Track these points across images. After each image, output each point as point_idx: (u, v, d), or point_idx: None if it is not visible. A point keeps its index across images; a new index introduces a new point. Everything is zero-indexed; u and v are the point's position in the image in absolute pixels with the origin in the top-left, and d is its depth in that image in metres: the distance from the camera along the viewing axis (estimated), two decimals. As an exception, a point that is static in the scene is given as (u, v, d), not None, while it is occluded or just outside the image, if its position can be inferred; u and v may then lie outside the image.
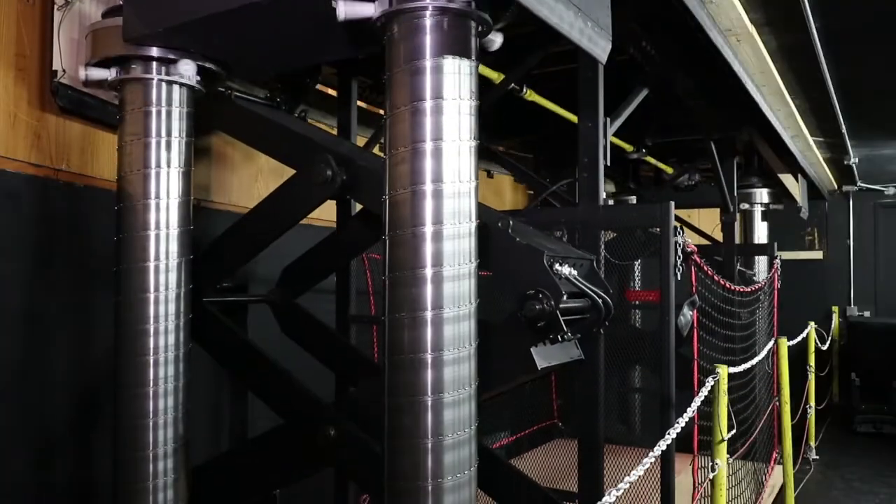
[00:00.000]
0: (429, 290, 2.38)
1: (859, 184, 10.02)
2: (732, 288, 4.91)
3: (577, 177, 3.63)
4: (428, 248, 2.38)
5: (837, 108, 6.16)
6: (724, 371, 3.53)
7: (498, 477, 3.36)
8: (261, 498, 3.54)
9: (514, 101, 4.81)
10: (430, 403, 2.38)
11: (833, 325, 9.88)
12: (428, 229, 2.38)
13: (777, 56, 4.86)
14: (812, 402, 6.99)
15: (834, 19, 4.32)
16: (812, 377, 7.02)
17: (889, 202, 10.25)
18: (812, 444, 7.26)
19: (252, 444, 3.78)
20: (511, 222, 2.89)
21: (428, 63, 2.38)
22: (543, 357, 2.83)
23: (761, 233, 8.16)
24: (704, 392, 3.46)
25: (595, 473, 3.47)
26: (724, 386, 3.52)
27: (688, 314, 3.69)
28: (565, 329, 2.78)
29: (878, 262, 10.30)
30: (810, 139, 7.15)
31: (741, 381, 5.12)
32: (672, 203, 3.47)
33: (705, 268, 3.98)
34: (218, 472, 3.49)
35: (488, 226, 2.83)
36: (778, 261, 6.72)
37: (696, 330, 3.97)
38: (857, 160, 8.29)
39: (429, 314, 2.38)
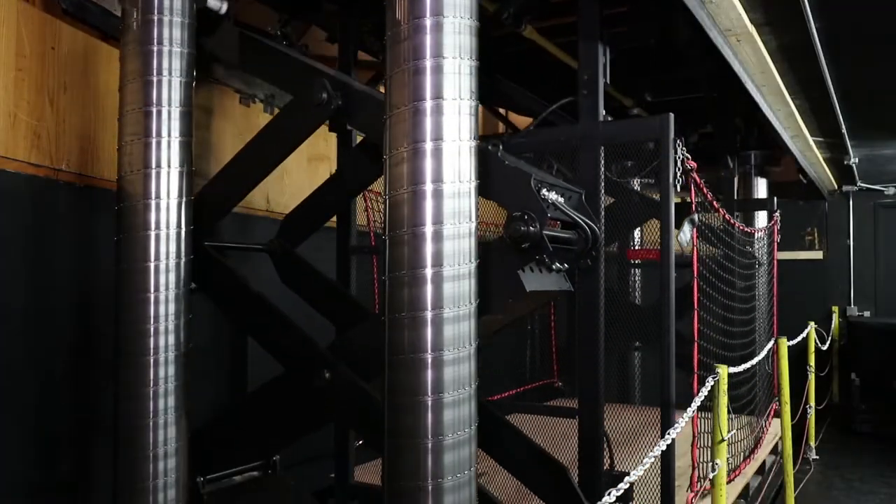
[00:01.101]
0: (429, 290, 2.38)
1: (859, 184, 10.02)
2: (731, 221, 4.83)
3: (578, 94, 3.62)
4: (428, 248, 2.39)
5: (837, 108, 6.15)
6: (723, 371, 3.52)
7: (490, 431, 3.37)
8: (262, 461, 3.57)
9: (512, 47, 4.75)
10: (430, 403, 2.38)
11: (833, 325, 9.88)
12: (428, 229, 2.39)
13: (777, 56, 4.86)
14: (812, 402, 6.99)
15: (834, 19, 4.32)
16: (812, 377, 7.01)
17: (889, 202, 10.25)
18: (812, 444, 7.25)
19: (251, 396, 3.80)
20: (501, 146, 2.90)
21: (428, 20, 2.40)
22: (532, 282, 2.88)
23: (760, 191, 8.04)
24: (704, 392, 3.46)
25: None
26: (724, 386, 3.52)
27: (688, 231, 3.70)
28: (550, 249, 2.83)
29: (877, 262, 10.29)
30: (810, 139, 7.15)
31: (742, 333, 5.16)
32: (671, 115, 3.43)
33: (704, 189, 3.95)
34: (218, 433, 3.50)
35: (479, 149, 2.86)
36: (777, 215, 6.65)
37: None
38: (857, 160, 8.29)
39: (429, 314, 2.38)
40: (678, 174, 3.47)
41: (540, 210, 2.78)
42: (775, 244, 6.62)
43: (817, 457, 7.21)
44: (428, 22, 2.40)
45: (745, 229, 5.41)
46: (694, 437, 3.88)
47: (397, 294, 2.43)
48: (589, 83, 3.58)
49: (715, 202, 4.33)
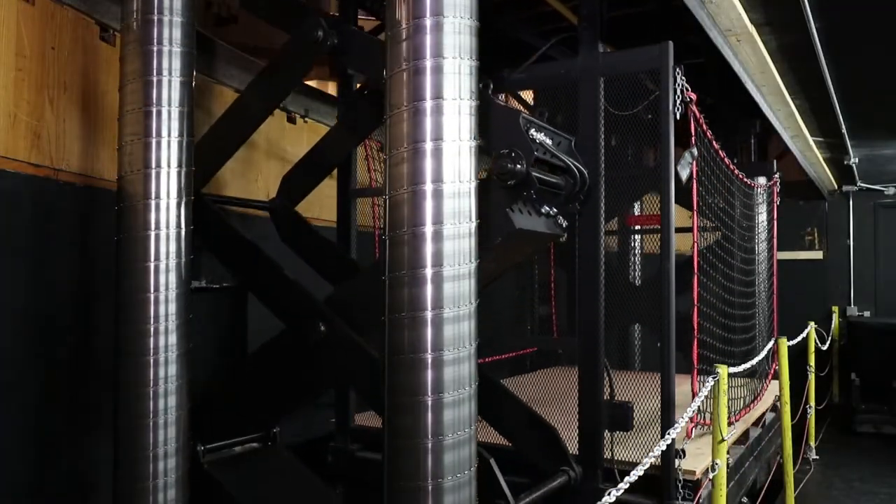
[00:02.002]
0: (429, 290, 2.38)
1: (859, 184, 10.01)
2: (729, 165, 4.82)
3: (578, 27, 3.65)
4: (428, 248, 2.38)
5: (837, 108, 6.15)
6: (724, 371, 3.52)
7: (483, 393, 3.40)
8: (262, 433, 3.59)
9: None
10: (430, 403, 2.38)
11: (833, 325, 9.87)
12: (428, 229, 2.38)
13: (777, 56, 4.85)
14: (812, 402, 6.99)
15: (834, 19, 4.32)
16: (812, 377, 7.01)
17: (889, 202, 10.24)
18: (812, 444, 7.25)
19: (251, 358, 3.81)
20: (491, 84, 2.92)
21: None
22: (521, 221, 2.91)
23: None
24: (705, 389, 3.45)
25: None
26: (724, 386, 3.51)
27: (687, 164, 3.70)
28: (537, 185, 2.86)
29: (877, 262, 10.29)
30: (810, 139, 7.15)
31: (743, 294, 5.18)
32: (671, 43, 3.45)
33: (703, 124, 3.94)
34: (218, 399, 3.53)
35: None
36: (778, 176, 6.61)
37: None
38: (857, 160, 8.29)
39: (429, 314, 2.38)
40: (677, 102, 3.47)
41: (527, 148, 2.81)
42: (775, 205, 6.60)
43: (817, 457, 7.20)
44: (428, 22, 2.40)
45: (745, 179, 5.37)
46: (694, 369, 3.89)
47: (397, 294, 2.43)
48: (588, 15, 3.61)
49: (714, 143, 4.31)
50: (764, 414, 5.62)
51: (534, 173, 2.84)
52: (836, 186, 10.23)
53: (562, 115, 3.84)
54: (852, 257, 10.38)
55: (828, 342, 9.20)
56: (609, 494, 2.67)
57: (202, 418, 3.24)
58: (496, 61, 3.87)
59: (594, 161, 3.56)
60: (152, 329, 2.95)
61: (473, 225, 2.47)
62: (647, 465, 2.92)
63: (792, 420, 5.72)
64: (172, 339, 2.99)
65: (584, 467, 3.58)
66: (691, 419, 3.87)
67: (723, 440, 3.49)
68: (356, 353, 3.06)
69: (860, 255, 10.37)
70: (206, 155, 3.42)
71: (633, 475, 2.84)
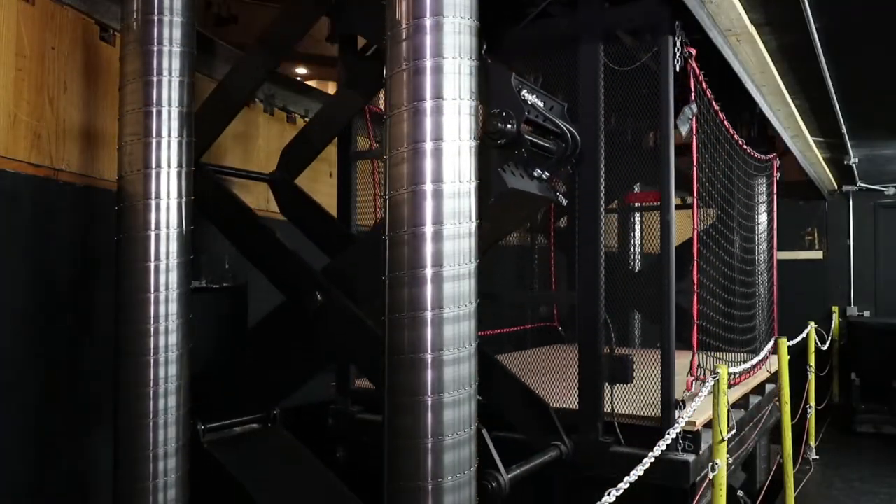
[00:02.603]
0: (429, 290, 2.38)
1: (859, 184, 10.01)
2: (728, 128, 4.79)
3: None
4: (428, 248, 2.39)
5: (837, 108, 6.15)
6: (724, 371, 3.52)
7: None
8: (262, 414, 3.61)
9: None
10: (430, 403, 2.38)
11: (833, 325, 9.87)
12: (428, 229, 2.39)
13: (777, 56, 4.85)
14: (812, 402, 6.98)
15: (834, 19, 4.32)
16: (812, 377, 7.01)
17: (889, 202, 10.24)
18: (812, 444, 7.25)
19: (252, 332, 3.82)
20: (485, 45, 2.94)
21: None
22: (514, 181, 2.93)
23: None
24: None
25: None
26: (724, 386, 3.51)
27: (686, 119, 3.71)
28: (528, 144, 2.89)
29: (877, 262, 10.29)
30: (810, 139, 7.15)
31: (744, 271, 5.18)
32: None
33: (702, 80, 3.94)
34: (218, 378, 3.53)
35: None
36: (776, 157, 6.64)
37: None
38: (857, 160, 8.29)
39: (429, 314, 2.38)
40: (677, 55, 3.48)
41: (518, 107, 2.82)
42: (775, 179, 6.59)
43: (817, 457, 7.20)
44: (428, 22, 2.40)
45: (744, 146, 5.35)
46: (695, 321, 3.88)
47: (397, 294, 2.43)
48: None
49: (714, 103, 4.31)
50: (764, 384, 5.61)
51: (525, 135, 2.87)
52: (836, 186, 10.23)
53: (562, 89, 3.85)
54: (852, 257, 10.38)
55: (828, 342, 9.20)
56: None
57: (203, 396, 3.25)
58: (493, 21, 3.85)
59: (594, 119, 3.56)
60: (152, 329, 2.95)
61: (473, 225, 2.47)
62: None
63: (792, 420, 5.72)
64: (172, 339, 2.99)
65: (584, 421, 3.60)
66: (690, 371, 3.87)
67: (723, 440, 3.49)
68: (353, 323, 3.07)
69: (860, 255, 10.37)
70: (205, 123, 3.42)
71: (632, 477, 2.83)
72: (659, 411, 3.53)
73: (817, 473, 6.78)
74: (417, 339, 2.39)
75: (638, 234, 6.09)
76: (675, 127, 3.61)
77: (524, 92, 2.91)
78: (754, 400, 5.18)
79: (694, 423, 3.54)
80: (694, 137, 3.85)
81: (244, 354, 3.64)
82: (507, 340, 5.85)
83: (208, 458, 3.31)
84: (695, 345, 3.85)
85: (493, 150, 2.85)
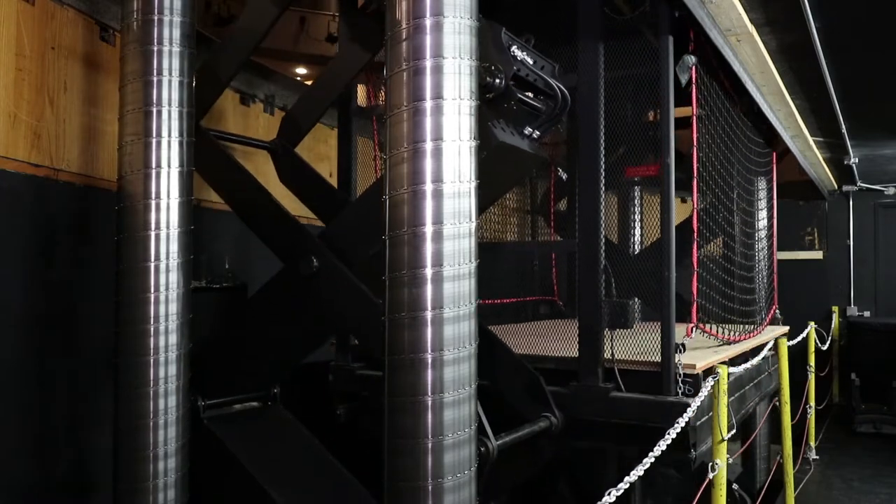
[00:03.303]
0: (429, 290, 2.38)
1: (859, 184, 10.01)
2: (727, 89, 4.81)
3: None
4: (428, 248, 2.39)
5: (837, 108, 6.15)
6: (724, 371, 3.52)
7: None
8: (262, 392, 3.63)
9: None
10: (430, 403, 2.38)
11: (833, 325, 9.87)
12: (428, 229, 2.39)
13: (777, 56, 4.85)
14: (812, 402, 6.98)
15: (834, 19, 4.32)
16: (812, 377, 7.01)
17: (889, 202, 10.24)
18: (812, 444, 7.25)
19: (249, 303, 3.81)
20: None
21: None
22: (503, 136, 2.95)
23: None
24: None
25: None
26: (724, 386, 3.51)
27: (686, 69, 3.72)
28: (517, 97, 2.90)
29: (878, 262, 10.28)
30: (810, 139, 7.15)
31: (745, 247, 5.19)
32: None
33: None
34: (218, 351, 3.54)
35: None
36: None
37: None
38: (857, 160, 8.28)
39: (429, 314, 2.38)
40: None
41: (507, 62, 2.83)
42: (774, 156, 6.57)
43: (817, 457, 7.20)
44: (428, 22, 2.40)
45: (741, 112, 5.35)
46: (694, 269, 3.87)
47: (397, 294, 2.43)
48: None
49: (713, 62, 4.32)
50: (763, 347, 5.62)
51: (514, 90, 2.87)
52: (836, 186, 10.23)
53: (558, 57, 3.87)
54: (852, 257, 10.38)
55: (828, 342, 9.20)
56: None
57: (201, 368, 3.26)
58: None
59: (594, 71, 3.55)
60: (152, 329, 2.95)
61: (473, 225, 2.47)
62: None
63: (792, 420, 5.72)
64: (172, 339, 2.99)
65: (584, 367, 3.60)
66: (690, 320, 3.88)
67: (723, 440, 3.49)
68: (348, 287, 3.08)
69: (860, 255, 10.37)
70: (205, 84, 3.42)
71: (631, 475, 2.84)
72: (659, 357, 3.53)
73: (817, 473, 6.78)
74: (417, 339, 2.39)
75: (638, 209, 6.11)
76: (675, 75, 3.64)
77: (514, 48, 2.93)
78: (755, 361, 5.16)
79: (694, 366, 3.55)
80: (694, 94, 3.86)
81: (243, 326, 3.63)
82: (506, 312, 5.84)
83: (207, 434, 3.35)
84: (694, 292, 3.84)
85: (482, 105, 2.85)
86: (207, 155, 3.44)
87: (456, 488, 2.42)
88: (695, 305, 3.87)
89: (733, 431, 3.65)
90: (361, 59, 3.90)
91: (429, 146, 2.39)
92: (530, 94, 3.13)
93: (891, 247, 10.24)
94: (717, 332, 4.27)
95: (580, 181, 3.71)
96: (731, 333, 4.59)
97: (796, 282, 9.18)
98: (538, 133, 3.21)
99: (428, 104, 2.39)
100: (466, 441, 2.46)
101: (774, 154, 6.78)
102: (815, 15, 4.22)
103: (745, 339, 4.95)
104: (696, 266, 3.88)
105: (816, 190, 9.55)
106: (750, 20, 4.18)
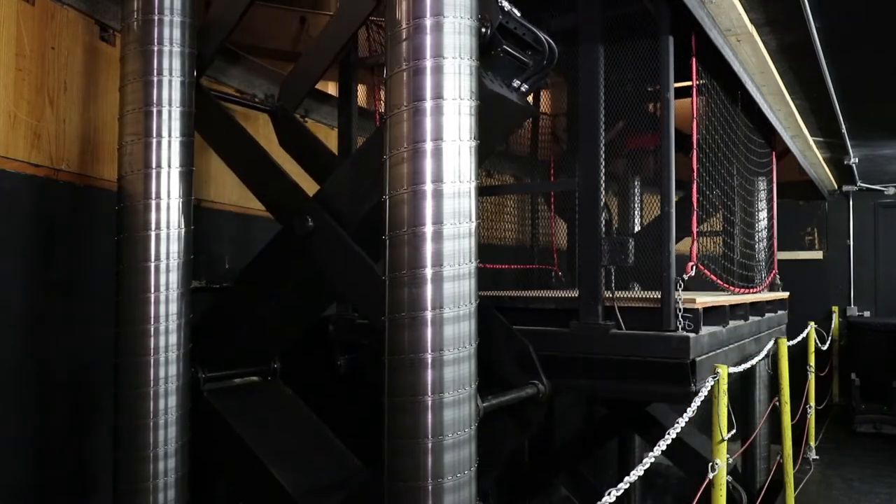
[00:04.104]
0: (429, 290, 2.39)
1: (859, 184, 10.01)
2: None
3: None
4: (428, 248, 2.39)
5: (837, 108, 6.15)
6: (724, 371, 3.52)
7: None
8: (262, 365, 3.65)
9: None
10: (430, 403, 2.38)
11: (833, 325, 9.87)
12: (428, 229, 2.39)
13: (777, 56, 4.85)
14: (812, 402, 6.98)
15: (834, 19, 4.32)
16: (812, 377, 7.00)
17: (889, 202, 10.24)
18: (812, 444, 7.24)
19: (246, 270, 3.79)
20: None
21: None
22: (492, 86, 2.98)
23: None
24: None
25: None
26: (723, 386, 3.51)
27: None
28: (504, 45, 2.93)
29: (878, 262, 10.28)
30: (810, 139, 7.15)
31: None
32: None
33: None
34: (217, 323, 3.53)
35: None
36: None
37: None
38: (857, 160, 8.28)
39: (429, 314, 2.38)
40: None
41: (494, 11, 2.85)
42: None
43: (817, 457, 7.20)
44: (428, 22, 2.40)
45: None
46: (694, 209, 3.86)
47: (397, 294, 2.43)
48: None
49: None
50: (764, 306, 5.64)
51: (501, 40, 2.89)
52: (836, 186, 10.23)
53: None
54: (852, 257, 10.38)
55: (828, 342, 9.20)
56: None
57: (201, 340, 3.26)
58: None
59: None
60: (152, 329, 2.96)
61: (473, 225, 2.47)
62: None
63: (792, 420, 5.72)
64: (173, 339, 3.00)
65: (584, 305, 3.62)
66: (690, 258, 3.87)
67: (722, 440, 3.49)
68: (343, 249, 3.08)
69: (860, 255, 10.37)
70: (206, 37, 3.41)
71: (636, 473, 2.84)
72: (659, 294, 3.55)
73: (817, 473, 6.78)
74: (417, 339, 2.39)
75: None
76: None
77: (503, 1, 2.96)
78: (754, 318, 5.21)
79: (693, 301, 3.57)
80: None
81: (240, 295, 3.62)
82: (505, 281, 5.85)
83: (207, 407, 3.37)
84: (694, 231, 3.85)
85: None
86: (208, 115, 3.44)
87: (456, 488, 2.42)
88: (694, 245, 3.84)
89: (733, 431, 3.64)
90: (362, 13, 3.79)
91: (429, 146, 2.39)
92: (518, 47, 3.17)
93: (891, 247, 10.24)
94: (716, 278, 4.24)
95: (581, 120, 3.72)
96: (731, 284, 4.60)
97: (796, 282, 9.18)
98: (526, 87, 3.24)
99: (428, 104, 2.40)
100: (466, 441, 2.46)
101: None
102: (815, 15, 4.22)
103: (744, 292, 4.96)
104: (695, 205, 3.87)
105: (816, 190, 9.55)
106: (750, 20, 4.18)
